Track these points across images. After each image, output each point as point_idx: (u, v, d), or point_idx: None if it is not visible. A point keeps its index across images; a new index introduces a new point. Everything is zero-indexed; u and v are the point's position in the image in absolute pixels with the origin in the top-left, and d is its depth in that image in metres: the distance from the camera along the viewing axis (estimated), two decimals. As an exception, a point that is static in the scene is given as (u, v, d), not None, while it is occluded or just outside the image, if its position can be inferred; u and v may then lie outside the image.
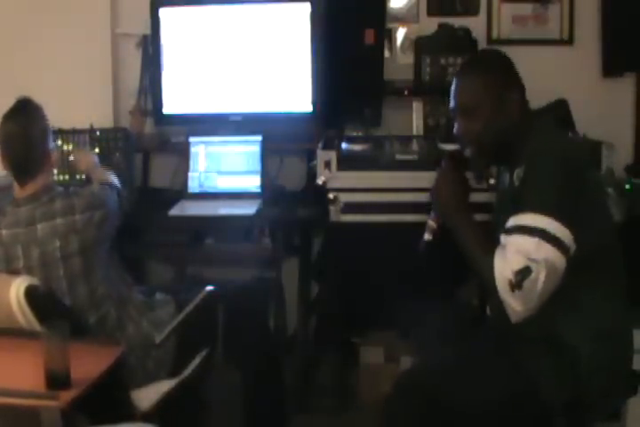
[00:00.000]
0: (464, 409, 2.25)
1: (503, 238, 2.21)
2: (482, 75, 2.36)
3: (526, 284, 2.12)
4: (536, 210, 2.15)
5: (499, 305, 2.22)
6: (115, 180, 2.88)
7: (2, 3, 3.54)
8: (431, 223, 2.51)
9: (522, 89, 2.37)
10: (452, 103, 2.41)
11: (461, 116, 2.38)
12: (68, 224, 2.45)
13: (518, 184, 2.29)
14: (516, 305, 2.15)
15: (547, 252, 2.12)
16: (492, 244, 2.23)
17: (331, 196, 2.97)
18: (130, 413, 2.31)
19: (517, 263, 2.13)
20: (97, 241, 2.52)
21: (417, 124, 3.40)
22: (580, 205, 2.18)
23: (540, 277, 2.11)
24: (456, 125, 2.41)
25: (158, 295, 2.88)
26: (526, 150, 2.26)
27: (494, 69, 2.37)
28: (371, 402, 3.06)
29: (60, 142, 3.23)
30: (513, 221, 2.19)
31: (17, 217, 2.47)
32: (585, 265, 2.20)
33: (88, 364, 2.11)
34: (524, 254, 2.13)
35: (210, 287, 2.83)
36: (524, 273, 2.11)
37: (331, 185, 2.98)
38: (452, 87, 2.40)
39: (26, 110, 2.47)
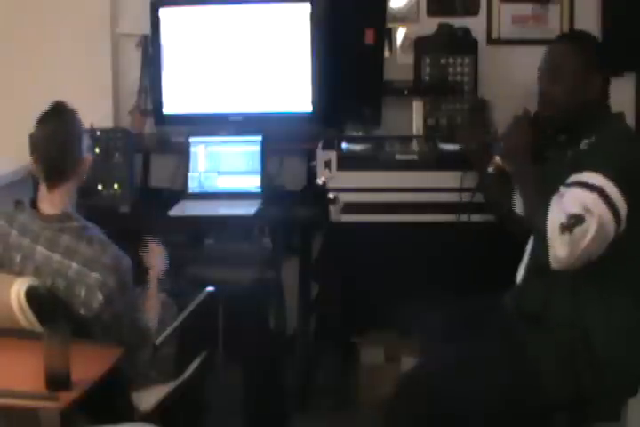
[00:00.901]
0: (465, 409, 2.26)
1: (563, 189, 2.25)
2: (579, 47, 2.46)
3: (577, 230, 2.15)
4: (600, 171, 2.20)
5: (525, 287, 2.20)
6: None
7: (2, 3, 3.54)
8: (497, 159, 2.61)
9: (607, 78, 2.47)
10: (543, 63, 2.50)
11: (546, 79, 2.48)
12: (81, 274, 2.36)
13: (586, 148, 2.34)
14: (561, 250, 2.17)
15: (602, 209, 2.16)
16: (551, 193, 2.28)
17: (331, 196, 2.97)
18: (130, 413, 2.31)
19: (573, 208, 2.17)
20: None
21: (417, 124, 3.39)
22: (637, 194, 2.22)
23: (590, 230, 2.14)
24: (539, 87, 2.51)
25: (160, 296, 2.87)
26: (600, 127, 2.35)
27: (591, 48, 2.48)
28: (371, 402, 3.06)
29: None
30: (574, 178, 2.25)
31: (37, 231, 2.40)
32: (625, 260, 2.24)
33: (88, 365, 2.11)
34: (582, 203, 2.17)
35: (210, 288, 2.83)
36: (577, 219, 2.15)
37: (331, 185, 2.99)
38: (547, 50, 2.51)
39: (61, 113, 2.44)
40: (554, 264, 2.21)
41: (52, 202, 2.42)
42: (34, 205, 2.45)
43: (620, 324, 2.25)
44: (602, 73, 2.45)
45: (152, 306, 2.73)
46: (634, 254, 2.27)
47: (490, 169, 2.65)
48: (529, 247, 2.53)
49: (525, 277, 2.50)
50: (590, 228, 2.14)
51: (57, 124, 2.41)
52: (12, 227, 2.43)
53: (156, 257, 2.81)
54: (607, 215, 2.16)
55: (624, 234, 2.20)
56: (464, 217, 2.86)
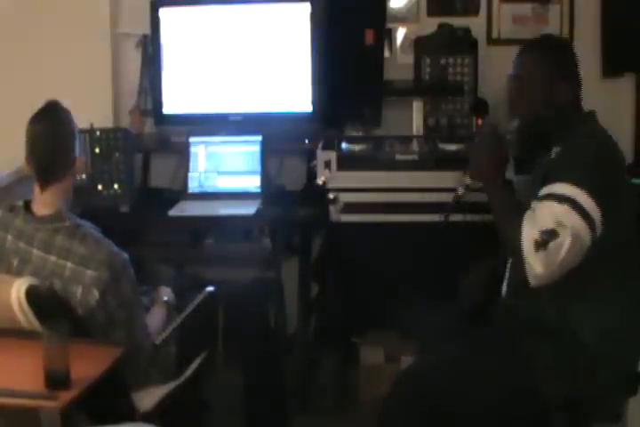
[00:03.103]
0: (463, 408, 2.26)
1: (534, 204, 2.24)
2: (544, 56, 2.43)
3: (551, 246, 2.14)
4: (570, 181, 2.19)
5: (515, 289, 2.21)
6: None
7: (2, 2, 3.54)
8: (466, 180, 2.58)
9: (577, 82, 2.44)
10: (510, 73, 2.48)
11: (514, 88, 2.45)
12: (77, 273, 2.35)
13: (554, 157, 2.33)
14: (537, 266, 2.16)
15: (575, 221, 2.15)
16: (523, 209, 2.27)
17: (331, 196, 2.97)
18: (130, 413, 2.31)
19: (546, 223, 2.16)
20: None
21: (417, 124, 3.40)
22: (610, 196, 2.21)
23: (565, 243, 2.14)
24: (507, 95, 2.49)
25: (165, 291, 2.87)
26: (570, 134, 2.33)
27: (558, 55, 2.44)
28: (371, 402, 3.06)
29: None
30: (545, 190, 2.23)
31: (31, 233, 2.39)
32: (608, 259, 2.23)
33: (88, 364, 2.11)
34: (554, 218, 2.16)
35: (210, 288, 2.83)
36: (550, 234, 2.14)
37: (331, 185, 2.99)
38: (515, 58, 2.48)
39: (54, 113, 2.43)
40: (532, 281, 2.20)
41: (44, 202, 2.41)
42: (28, 205, 2.43)
43: (607, 324, 2.24)
44: (570, 80, 2.41)
45: (159, 311, 2.73)
46: (616, 255, 2.26)
47: (460, 189, 2.60)
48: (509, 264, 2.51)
49: (509, 291, 2.49)
50: (565, 241, 2.13)
51: (50, 123, 2.40)
52: (8, 232, 2.42)
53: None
54: (581, 225, 2.15)
55: (605, 236, 2.19)
56: (466, 217, 2.85)
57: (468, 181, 2.57)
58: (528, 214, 2.22)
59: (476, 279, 2.67)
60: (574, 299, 2.24)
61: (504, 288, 2.51)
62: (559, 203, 2.17)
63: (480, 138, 2.59)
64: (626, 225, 2.30)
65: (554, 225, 2.15)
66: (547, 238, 2.14)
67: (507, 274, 2.50)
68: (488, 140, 2.52)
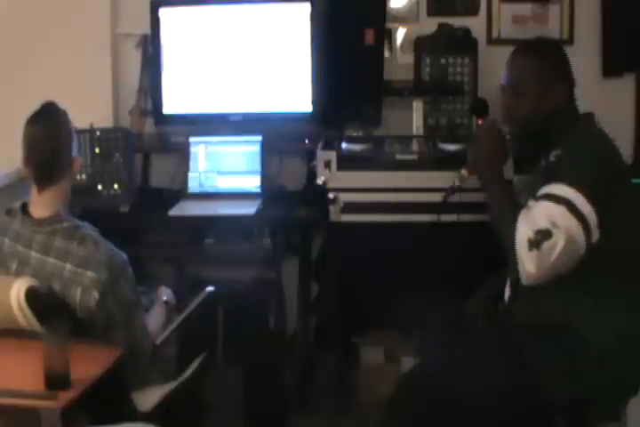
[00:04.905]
0: (466, 409, 2.26)
1: (531, 202, 2.24)
2: (536, 59, 2.42)
3: (545, 245, 2.14)
4: (568, 182, 2.19)
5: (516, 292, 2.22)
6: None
7: (2, 2, 3.54)
8: (464, 173, 2.57)
9: (571, 83, 2.43)
10: (502, 80, 2.47)
11: (508, 94, 2.44)
12: (76, 275, 2.35)
13: (554, 160, 2.32)
14: (530, 265, 2.16)
15: (570, 223, 2.15)
16: (520, 207, 2.27)
17: (331, 196, 2.97)
18: (130, 413, 2.31)
19: (540, 223, 2.15)
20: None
21: (417, 124, 3.40)
22: (610, 198, 2.20)
23: (558, 244, 2.13)
24: (502, 103, 2.48)
25: (166, 292, 2.87)
26: (568, 136, 2.32)
27: (550, 57, 2.44)
28: (371, 402, 3.06)
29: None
30: (544, 190, 2.23)
31: (29, 236, 2.38)
32: (615, 262, 2.23)
33: (88, 364, 2.11)
34: (549, 218, 2.15)
35: (210, 288, 2.83)
36: (544, 234, 2.14)
37: (331, 185, 2.99)
38: (506, 64, 2.47)
39: (51, 114, 2.42)
40: (523, 280, 2.21)
41: (42, 204, 2.40)
42: (25, 208, 2.42)
43: (610, 325, 2.24)
44: (564, 81, 2.41)
45: (158, 311, 2.73)
46: (618, 255, 2.25)
47: (456, 182, 2.59)
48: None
49: (510, 294, 2.49)
50: (558, 242, 2.13)
51: (46, 125, 2.38)
52: (5, 235, 2.42)
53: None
54: (576, 228, 2.15)
55: (606, 237, 2.18)
56: (465, 217, 2.85)
57: (465, 174, 2.57)
58: (524, 212, 2.22)
59: (479, 302, 2.68)
60: (577, 299, 2.24)
61: (506, 292, 2.52)
62: (556, 204, 2.17)
63: (480, 132, 2.59)
64: (629, 226, 2.29)
65: (548, 225, 2.14)
66: (540, 238, 2.14)
67: (508, 279, 2.50)
68: (488, 135, 2.52)
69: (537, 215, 2.18)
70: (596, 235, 2.17)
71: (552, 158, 2.34)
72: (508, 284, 2.50)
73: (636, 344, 2.30)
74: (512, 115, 2.45)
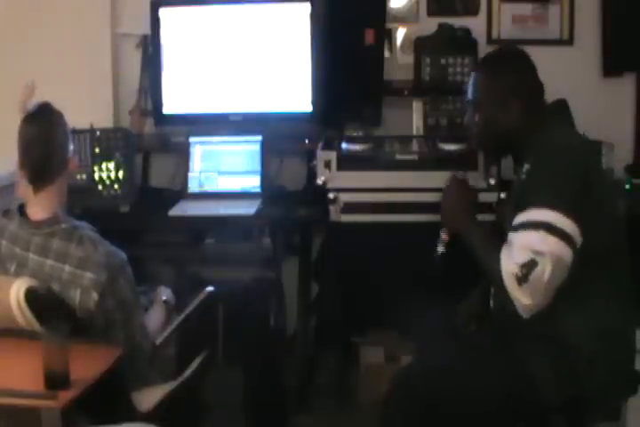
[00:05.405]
0: (462, 408, 2.26)
1: (510, 236, 2.22)
2: (491, 73, 2.43)
3: (532, 277, 2.13)
4: (540, 205, 2.17)
5: (502, 302, 2.23)
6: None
7: (2, 2, 3.54)
8: (444, 237, 2.59)
9: (532, 90, 2.41)
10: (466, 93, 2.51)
11: (469, 108, 2.49)
12: (75, 276, 2.34)
13: (526, 177, 2.31)
14: (524, 299, 2.15)
15: (552, 244, 2.13)
16: (500, 243, 2.25)
17: (331, 196, 2.97)
18: (130, 413, 2.31)
19: (522, 257, 2.14)
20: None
21: (417, 124, 3.40)
22: (585, 203, 2.19)
23: (546, 270, 2.12)
24: (466, 116, 2.53)
25: (166, 292, 2.87)
26: (534, 146, 2.31)
27: (505, 70, 2.42)
28: (371, 402, 3.06)
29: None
30: (519, 219, 2.21)
31: (26, 238, 2.38)
32: (592, 263, 2.21)
33: (88, 364, 2.11)
34: (529, 248, 2.14)
35: (210, 288, 2.83)
36: (529, 266, 2.13)
37: (331, 185, 2.98)
38: (470, 78, 2.50)
39: (47, 115, 2.41)
40: (523, 314, 2.19)
41: (39, 206, 2.38)
42: (22, 209, 2.42)
43: (593, 327, 2.24)
44: (520, 98, 2.37)
45: (158, 311, 2.73)
46: (603, 257, 2.24)
47: (439, 249, 2.61)
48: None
49: (495, 304, 2.50)
50: (545, 268, 2.12)
51: (40, 125, 2.37)
52: (3, 238, 2.41)
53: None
54: (559, 246, 2.13)
55: (590, 241, 2.17)
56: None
57: (445, 238, 2.59)
58: (505, 249, 2.20)
59: (469, 307, 2.69)
60: (564, 303, 2.23)
61: (491, 302, 2.53)
62: (535, 230, 2.15)
63: (446, 189, 2.61)
64: (610, 227, 2.28)
65: (531, 255, 2.13)
66: (526, 271, 2.13)
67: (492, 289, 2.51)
68: (454, 191, 2.58)
69: (518, 249, 2.16)
70: (580, 242, 2.16)
71: (523, 175, 2.32)
72: (493, 294, 2.50)
73: (622, 342, 2.30)
74: (471, 129, 2.49)
